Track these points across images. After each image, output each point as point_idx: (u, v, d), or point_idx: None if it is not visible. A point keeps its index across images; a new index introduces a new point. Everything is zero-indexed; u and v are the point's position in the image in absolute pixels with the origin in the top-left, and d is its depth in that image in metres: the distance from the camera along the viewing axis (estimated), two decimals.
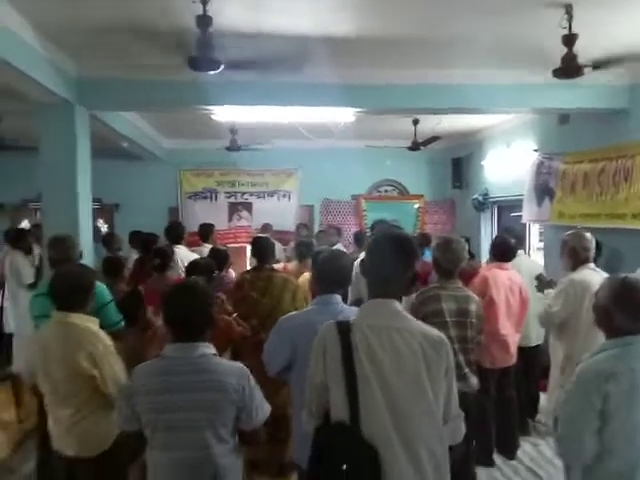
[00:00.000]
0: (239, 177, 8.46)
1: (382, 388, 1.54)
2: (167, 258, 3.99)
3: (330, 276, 2.30)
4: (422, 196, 8.77)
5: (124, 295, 3.56)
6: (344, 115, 5.11)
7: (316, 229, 8.24)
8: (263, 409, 1.93)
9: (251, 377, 1.92)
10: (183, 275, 4.17)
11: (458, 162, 8.26)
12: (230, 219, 8.34)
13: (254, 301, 3.38)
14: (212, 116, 5.10)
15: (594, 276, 3.10)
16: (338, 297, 2.28)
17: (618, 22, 3.42)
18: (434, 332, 1.64)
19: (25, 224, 8.09)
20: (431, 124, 6.51)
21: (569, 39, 3.21)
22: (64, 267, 2.60)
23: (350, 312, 2.26)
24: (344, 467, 1.49)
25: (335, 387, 1.59)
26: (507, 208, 7.41)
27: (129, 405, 1.87)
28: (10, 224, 8.04)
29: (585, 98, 4.72)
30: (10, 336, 5.24)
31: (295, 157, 8.28)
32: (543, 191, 5.84)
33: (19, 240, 5.42)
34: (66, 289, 2.34)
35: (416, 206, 8.74)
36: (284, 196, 8.57)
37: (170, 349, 1.89)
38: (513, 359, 3.69)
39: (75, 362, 2.19)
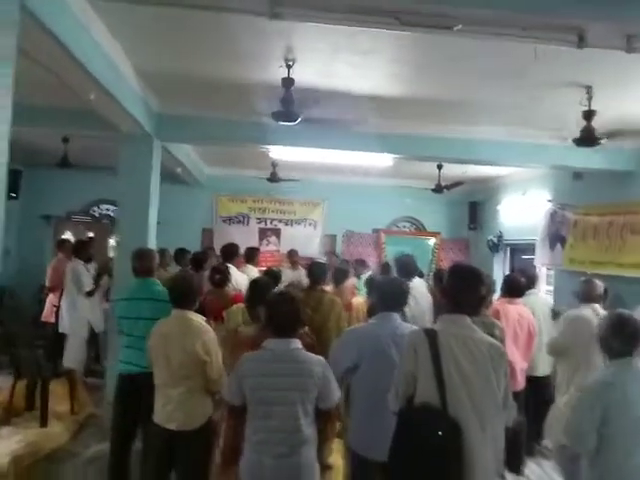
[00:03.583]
0: (270, 204, 9.09)
1: (463, 381, 2.11)
2: (227, 275, 4.54)
3: (390, 298, 2.85)
4: (439, 234, 9.36)
5: None
6: (383, 160, 5.76)
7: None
8: (337, 392, 2.47)
9: (329, 367, 2.45)
10: (234, 291, 4.73)
11: (474, 205, 8.90)
12: (260, 243, 8.91)
13: (307, 317, 3.90)
14: (269, 154, 5.74)
15: (592, 314, 3.64)
16: (396, 315, 2.82)
17: (631, 100, 4.05)
18: (497, 343, 2.23)
19: (68, 235, 8.67)
20: (453, 169, 7.15)
21: (588, 114, 3.84)
22: (179, 274, 3.17)
23: (406, 327, 2.81)
24: (440, 433, 2.04)
25: (425, 378, 2.14)
26: (519, 251, 7.98)
27: (238, 384, 2.40)
28: (54, 236, 8.68)
29: (597, 160, 5.35)
30: (63, 336, 5.74)
31: (323, 189, 8.95)
32: (555, 238, 6.42)
33: (82, 249, 5.94)
34: (183, 291, 2.89)
35: (432, 243, 9.30)
36: (310, 224, 9.18)
37: (271, 343, 2.44)
38: (520, 385, 4.16)
39: (193, 349, 2.72)
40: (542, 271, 7.29)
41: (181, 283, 2.93)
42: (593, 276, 4.29)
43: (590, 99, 3.81)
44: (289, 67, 3.59)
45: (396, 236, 9.33)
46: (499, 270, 8.29)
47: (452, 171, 7.28)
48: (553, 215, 6.55)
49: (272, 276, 4.32)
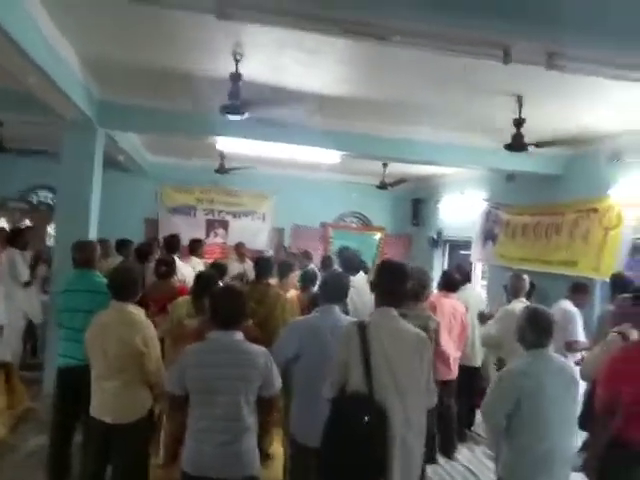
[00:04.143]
0: (218, 196, 9.03)
1: (389, 370, 2.28)
2: (173, 267, 4.52)
3: (332, 291, 2.97)
4: (383, 228, 9.64)
5: None
6: (331, 156, 5.89)
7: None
8: (278, 381, 2.56)
9: (271, 357, 2.55)
10: (179, 283, 4.72)
11: (417, 202, 9.25)
12: (207, 235, 8.85)
13: (252, 310, 3.97)
14: (216, 145, 5.73)
15: (522, 307, 3.94)
16: (337, 307, 2.95)
17: (557, 111, 4.37)
18: (422, 333, 2.41)
19: (3, 223, 8.27)
20: (398, 167, 7.39)
21: (518, 122, 4.12)
22: (120, 266, 3.13)
23: (345, 319, 2.94)
24: (366, 419, 2.21)
25: (355, 367, 2.30)
26: (457, 247, 8.38)
27: (180, 375, 2.44)
28: None
29: (528, 163, 5.72)
30: None
31: (271, 182, 8.98)
32: (488, 236, 6.81)
33: (18, 238, 5.70)
34: (123, 283, 2.87)
35: (377, 237, 9.57)
36: (258, 217, 9.20)
37: (216, 334, 2.49)
38: (453, 374, 4.44)
39: (132, 342, 2.72)
40: (478, 266, 7.73)
41: (122, 275, 2.91)
42: (520, 272, 4.63)
43: (521, 107, 4.08)
44: (237, 61, 3.62)
45: (343, 230, 9.54)
46: (438, 265, 8.67)
47: (397, 168, 7.51)
48: (488, 214, 6.94)
49: (218, 269, 4.36)
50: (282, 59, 3.62)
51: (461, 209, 7.80)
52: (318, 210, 9.25)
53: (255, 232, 8.99)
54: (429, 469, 4.32)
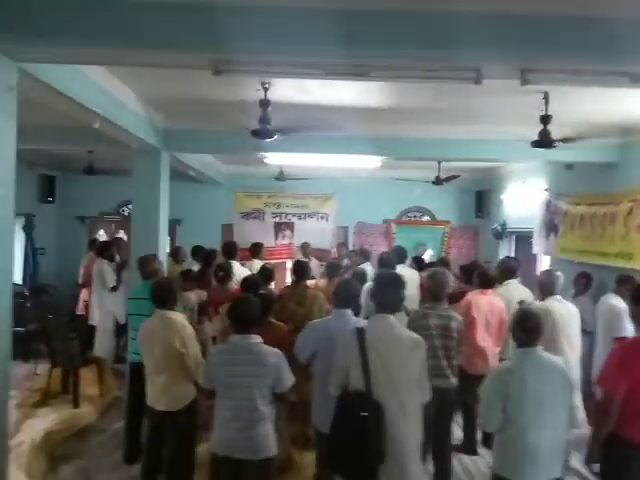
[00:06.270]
0: (284, 200, 9.57)
1: (384, 369, 2.61)
2: (229, 273, 5.05)
3: (344, 296, 3.29)
4: (449, 222, 9.61)
5: None
6: (371, 162, 6.13)
7: (350, 248, 9.23)
8: (290, 379, 2.93)
9: (284, 358, 2.92)
10: (236, 286, 5.24)
11: (481, 194, 9.13)
12: (276, 237, 9.44)
13: (291, 311, 4.38)
14: (264, 160, 6.20)
15: (556, 304, 3.95)
16: (349, 311, 3.27)
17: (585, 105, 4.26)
18: (415, 336, 2.72)
19: (101, 234, 9.46)
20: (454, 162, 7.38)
21: (545, 119, 4.09)
22: (159, 279, 3.70)
23: (357, 322, 3.24)
24: (363, 413, 2.55)
25: (355, 369, 2.65)
26: (523, 237, 8.17)
27: (209, 371, 2.92)
28: (89, 235, 9.49)
29: (584, 153, 5.53)
30: (93, 328, 6.45)
31: (333, 184, 9.36)
32: (550, 227, 6.63)
33: (105, 250, 6.61)
34: (163, 294, 3.42)
35: (442, 231, 9.56)
36: (322, 218, 9.60)
37: (234, 337, 2.93)
38: (492, 368, 4.49)
39: (172, 343, 3.25)
40: (546, 259, 7.50)
41: (159, 288, 3.44)
42: (580, 265, 4.52)
43: (547, 104, 4.04)
44: (265, 90, 4.00)
45: (406, 226, 9.66)
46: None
47: (454, 163, 7.49)
48: (548, 204, 6.75)
49: (263, 273, 4.81)
50: (306, 83, 3.94)
51: (524, 199, 7.62)
52: (381, 207, 9.48)
53: (320, 232, 9.38)
54: (468, 460, 4.47)
